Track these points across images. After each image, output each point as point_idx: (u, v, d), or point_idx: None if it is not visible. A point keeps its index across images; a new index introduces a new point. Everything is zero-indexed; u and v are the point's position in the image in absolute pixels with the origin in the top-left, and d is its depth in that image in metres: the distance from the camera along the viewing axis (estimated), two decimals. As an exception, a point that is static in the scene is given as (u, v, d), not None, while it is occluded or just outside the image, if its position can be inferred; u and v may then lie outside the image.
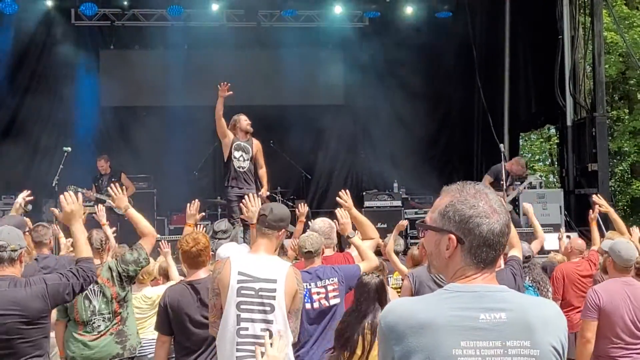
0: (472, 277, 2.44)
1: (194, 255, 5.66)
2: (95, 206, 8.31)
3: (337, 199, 6.46)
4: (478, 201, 2.45)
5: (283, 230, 5.07)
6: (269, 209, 5.01)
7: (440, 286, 6.78)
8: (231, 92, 10.90)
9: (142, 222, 6.34)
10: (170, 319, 5.62)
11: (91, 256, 5.11)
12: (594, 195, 9.54)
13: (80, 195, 5.25)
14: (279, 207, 5.11)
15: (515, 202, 13.98)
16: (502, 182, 13.21)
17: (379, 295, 5.35)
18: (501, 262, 5.82)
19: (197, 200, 7.04)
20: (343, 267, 6.06)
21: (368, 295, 5.29)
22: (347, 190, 6.54)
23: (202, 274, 5.73)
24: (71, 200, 5.07)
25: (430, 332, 2.31)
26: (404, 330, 2.34)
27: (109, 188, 6.54)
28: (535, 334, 2.32)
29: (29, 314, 4.51)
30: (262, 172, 11.72)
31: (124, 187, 6.57)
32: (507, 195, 13.37)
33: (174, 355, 5.90)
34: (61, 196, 5.13)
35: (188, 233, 6.12)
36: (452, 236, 2.46)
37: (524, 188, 14.12)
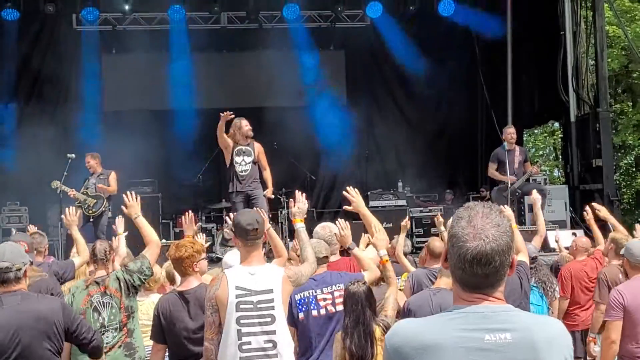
0: (469, 298, 2.43)
1: (176, 260, 5.72)
2: (117, 218, 8.29)
3: (344, 193, 6.38)
4: (469, 222, 2.43)
5: (264, 233, 5.23)
6: (248, 222, 5.00)
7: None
8: (232, 115, 10.98)
9: (149, 231, 6.42)
10: (164, 328, 5.64)
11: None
12: (594, 204, 9.40)
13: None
14: (254, 216, 5.15)
15: (520, 200, 13.93)
16: (506, 166, 13.13)
17: (369, 302, 5.38)
18: None
19: (190, 211, 7.07)
20: (348, 274, 6.06)
21: (358, 304, 5.31)
22: (355, 188, 6.42)
23: (193, 282, 5.73)
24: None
25: (435, 354, 2.32)
26: (409, 352, 2.35)
27: (124, 195, 6.54)
28: (540, 353, 2.33)
29: (42, 327, 4.55)
30: (266, 174, 11.73)
31: (138, 196, 6.55)
32: (517, 180, 13.23)
33: None
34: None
35: (178, 241, 6.14)
36: (446, 248, 2.52)
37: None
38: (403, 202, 15.72)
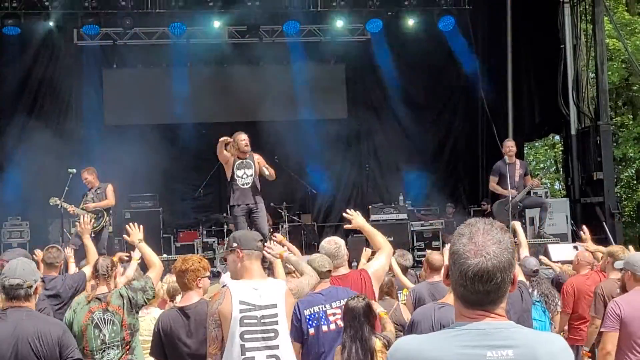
0: (470, 315, 2.43)
1: (181, 271, 5.69)
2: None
3: (344, 214, 6.56)
4: (471, 239, 2.42)
5: (263, 248, 5.32)
6: (246, 235, 5.23)
7: (436, 300, 6.84)
8: (231, 140, 11.00)
9: (151, 255, 6.60)
10: (164, 345, 5.62)
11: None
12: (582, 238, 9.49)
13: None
14: (250, 232, 5.50)
15: (521, 213, 13.90)
16: (507, 180, 13.09)
17: (368, 317, 5.39)
18: None
19: (136, 223, 7.08)
20: (352, 291, 6.04)
21: (356, 319, 5.33)
22: (355, 210, 6.61)
23: (194, 297, 5.70)
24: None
25: None
26: None
27: (127, 227, 6.79)
28: None
29: (38, 347, 4.55)
30: (270, 170, 11.57)
31: (141, 226, 6.69)
32: (518, 193, 13.17)
33: None
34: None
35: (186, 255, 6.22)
36: (447, 265, 2.51)
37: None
38: (404, 216, 15.69)
